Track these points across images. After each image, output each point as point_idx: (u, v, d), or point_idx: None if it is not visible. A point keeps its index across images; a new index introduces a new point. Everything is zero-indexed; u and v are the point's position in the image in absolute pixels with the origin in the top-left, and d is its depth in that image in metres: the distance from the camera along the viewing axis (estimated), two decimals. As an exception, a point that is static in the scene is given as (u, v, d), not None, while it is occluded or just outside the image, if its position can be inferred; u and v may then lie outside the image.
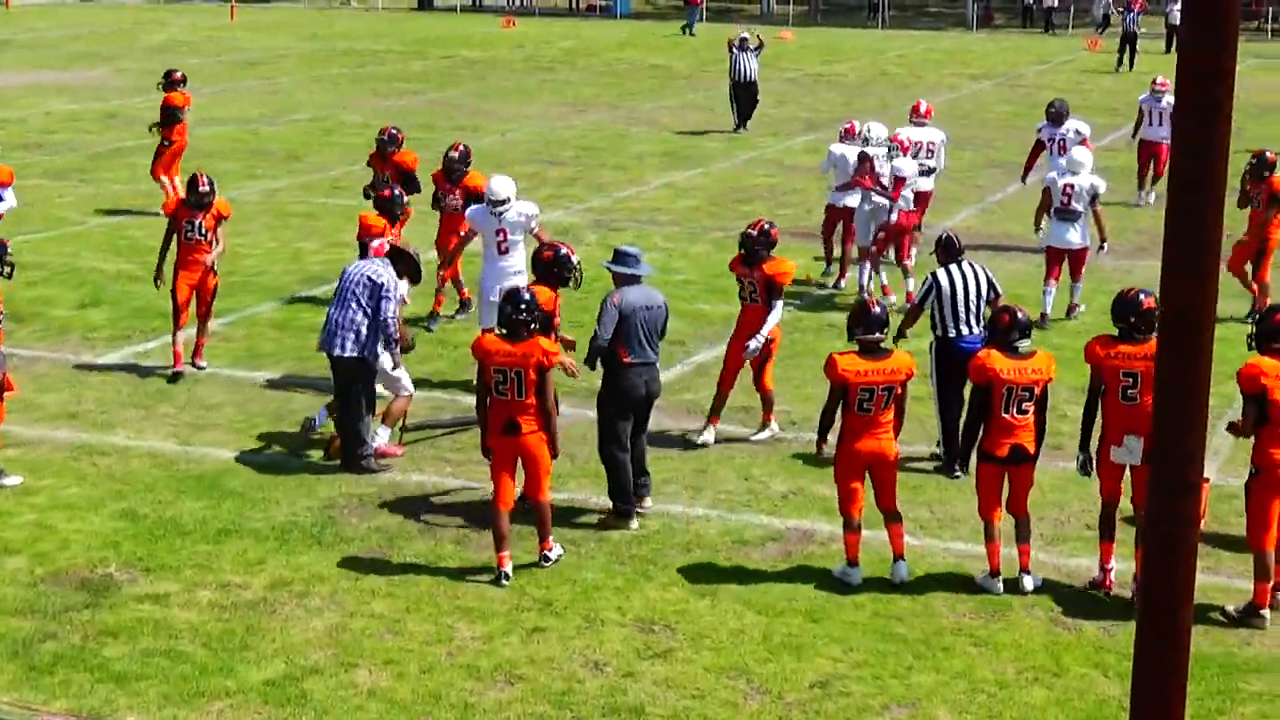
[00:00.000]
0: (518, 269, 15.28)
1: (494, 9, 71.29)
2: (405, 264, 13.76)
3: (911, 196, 18.86)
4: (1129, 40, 47.22)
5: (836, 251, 20.25)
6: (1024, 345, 11.31)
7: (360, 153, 29.57)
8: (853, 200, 19.31)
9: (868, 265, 19.00)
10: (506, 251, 15.36)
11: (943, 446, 13.74)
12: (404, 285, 13.79)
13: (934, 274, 13.84)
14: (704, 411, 14.74)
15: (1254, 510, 10.87)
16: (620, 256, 12.70)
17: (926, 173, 20.31)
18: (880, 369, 11.22)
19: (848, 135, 20.07)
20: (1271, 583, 10.92)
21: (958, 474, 13.41)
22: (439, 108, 36.53)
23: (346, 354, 13.23)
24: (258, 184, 26.08)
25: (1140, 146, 25.52)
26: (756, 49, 33.50)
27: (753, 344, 13.97)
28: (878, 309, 11.46)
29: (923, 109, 21.38)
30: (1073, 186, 18.30)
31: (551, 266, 12.90)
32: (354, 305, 13.29)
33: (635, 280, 12.61)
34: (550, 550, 11.58)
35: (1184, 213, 4.98)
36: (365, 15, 67.98)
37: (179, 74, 24.53)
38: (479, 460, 13.55)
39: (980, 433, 11.31)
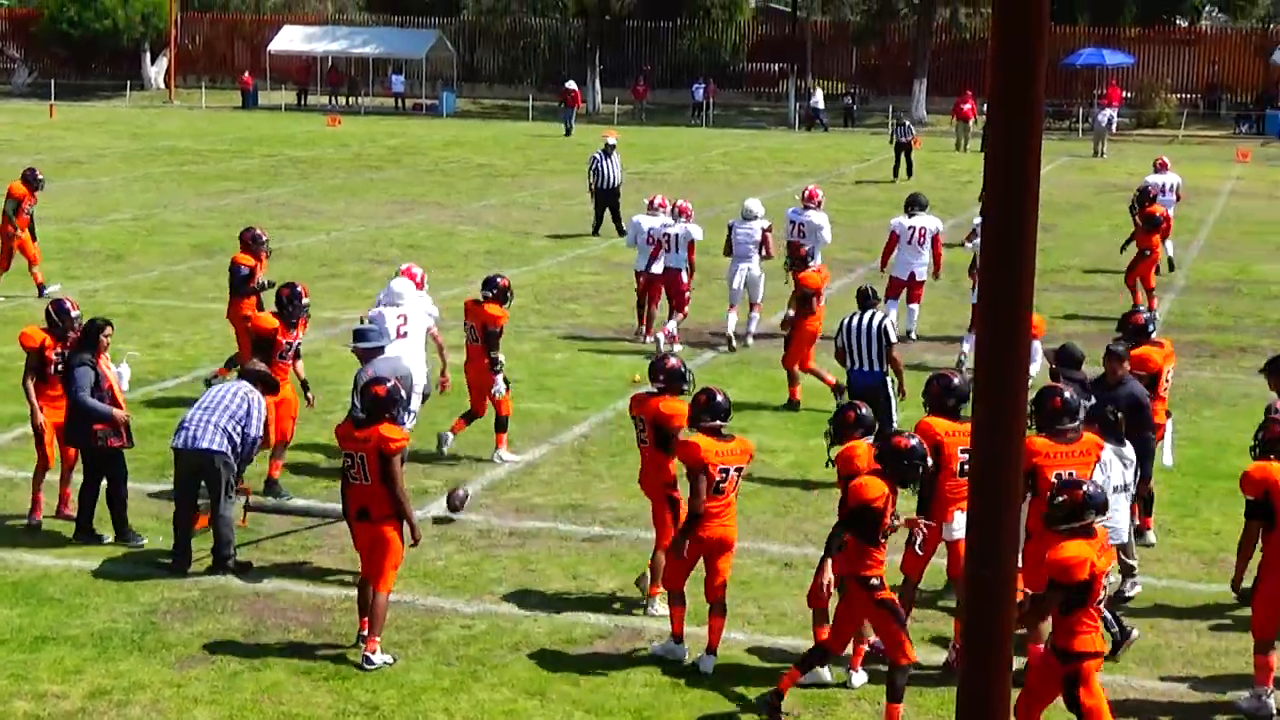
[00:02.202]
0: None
1: (319, 108, 71.13)
2: (262, 384, 13.71)
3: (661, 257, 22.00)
4: (903, 150, 45.36)
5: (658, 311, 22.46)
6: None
7: (184, 252, 29.32)
8: (657, 267, 22.02)
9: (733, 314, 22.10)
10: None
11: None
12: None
13: (843, 319, 16.23)
14: (530, 508, 14.81)
15: (1025, 575, 11.15)
16: (360, 334, 14.08)
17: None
18: (731, 450, 11.43)
19: (653, 208, 22.52)
20: (1043, 644, 11.25)
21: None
22: (264, 206, 36.30)
23: (214, 447, 13.02)
24: (77, 284, 25.68)
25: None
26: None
27: None
28: (721, 398, 11.62)
29: (806, 193, 23.47)
30: None
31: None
32: (224, 412, 13.15)
33: (379, 352, 13.88)
34: (374, 653, 11.46)
35: (997, 289, 5.15)
36: (187, 114, 67.51)
37: None
38: (305, 561, 13.45)
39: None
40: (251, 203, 37.02)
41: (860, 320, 16.02)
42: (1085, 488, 9.75)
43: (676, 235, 22.06)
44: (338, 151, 50.38)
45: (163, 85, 77.80)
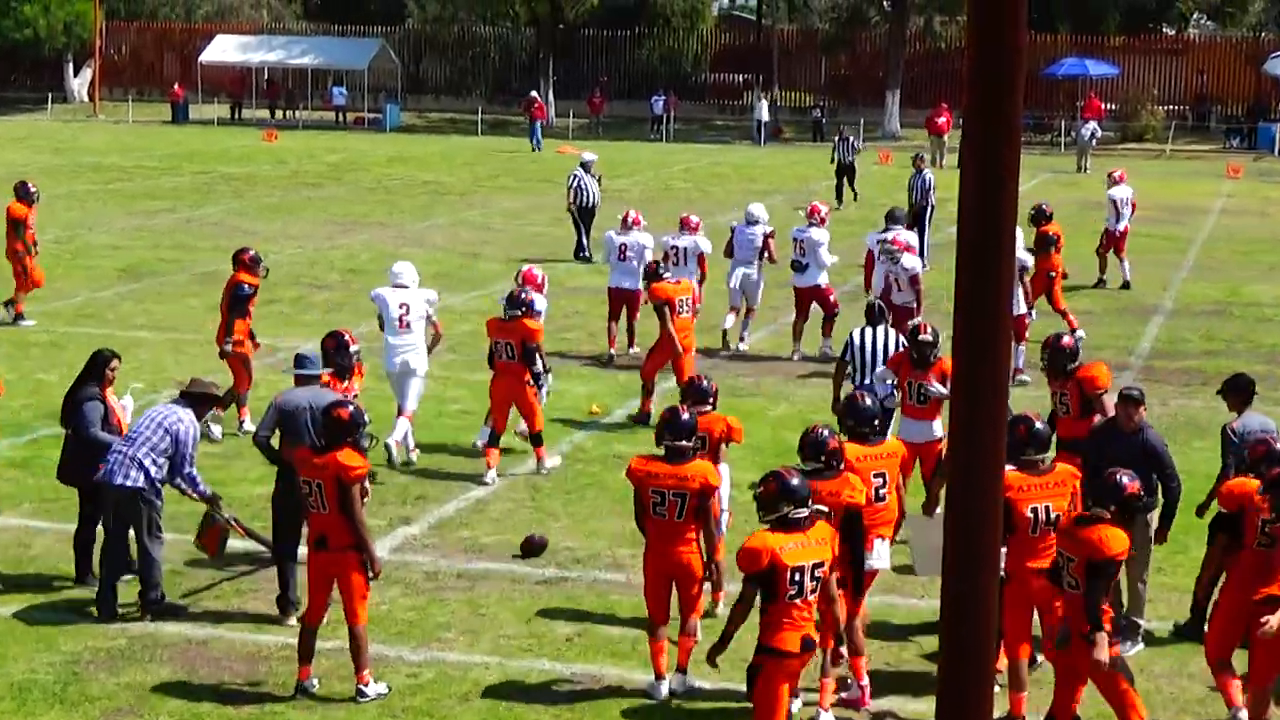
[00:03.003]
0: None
1: (254, 122, 71.02)
2: (206, 405, 13.67)
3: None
4: (845, 172, 43.22)
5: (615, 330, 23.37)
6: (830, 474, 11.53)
7: (110, 276, 29.21)
8: (629, 281, 22.84)
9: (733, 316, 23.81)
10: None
11: None
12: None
13: (853, 333, 16.80)
14: (480, 548, 14.76)
15: (1006, 620, 11.20)
16: (298, 361, 13.93)
17: (800, 269, 23.51)
18: (672, 473, 11.47)
19: (627, 225, 23.45)
20: (1025, 692, 11.32)
21: None
22: (195, 227, 36.21)
23: (129, 484, 12.97)
24: (-5, 311, 25.56)
25: (894, 315, 21.64)
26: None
27: None
28: (686, 415, 11.71)
29: (809, 209, 24.41)
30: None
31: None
32: (143, 445, 13.05)
33: (310, 381, 13.70)
34: (366, 685, 11.63)
35: (973, 309, 5.19)
36: (113, 128, 67.34)
37: None
38: (239, 607, 13.40)
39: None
40: (182, 223, 36.93)
41: (873, 335, 16.68)
42: (783, 480, 10.10)
43: (685, 248, 23.08)
44: (274, 168, 50.32)
45: (87, 98, 77.58)
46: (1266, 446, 11.50)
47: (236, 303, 18.61)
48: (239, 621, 13.15)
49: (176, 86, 73.57)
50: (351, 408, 11.92)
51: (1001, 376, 5.31)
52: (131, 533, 13.23)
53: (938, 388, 14.79)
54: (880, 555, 11.97)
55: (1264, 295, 29.71)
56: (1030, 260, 22.15)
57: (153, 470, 13.02)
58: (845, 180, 43.28)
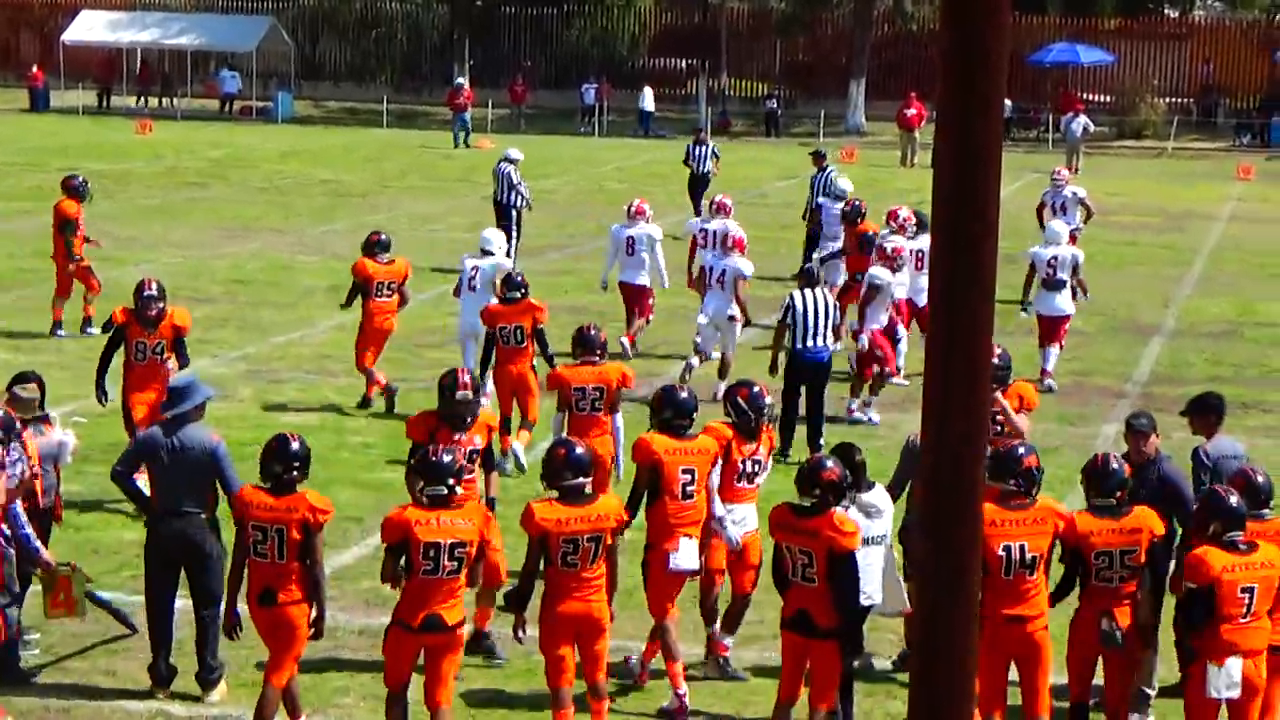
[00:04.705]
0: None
1: (125, 110, 70.66)
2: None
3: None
4: (698, 186, 39.43)
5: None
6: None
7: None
8: (640, 278, 24.58)
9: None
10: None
11: (779, 437, 17.70)
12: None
13: (791, 295, 19.29)
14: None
15: (981, 674, 11.27)
16: (172, 395, 13.24)
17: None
18: (584, 516, 11.49)
19: (632, 216, 24.70)
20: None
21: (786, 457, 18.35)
22: (57, 232, 35.94)
23: None
24: None
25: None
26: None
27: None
28: (580, 449, 11.78)
29: (888, 215, 24.91)
30: (1057, 258, 23.73)
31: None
32: None
33: (182, 420, 12.95)
34: None
35: (951, 325, 5.23)
36: (-37, 118, 66.92)
37: None
38: (108, 669, 13.28)
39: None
40: (44, 227, 36.60)
41: (812, 296, 19.08)
42: (423, 456, 11.38)
43: (715, 232, 24.61)
44: (149, 165, 50.10)
45: (-70, 83, 77.14)
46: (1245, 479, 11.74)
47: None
48: (106, 692, 13.02)
49: (35, 69, 73.05)
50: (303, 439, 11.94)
51: (978, 369, 5.37)
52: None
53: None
54: (687, 555, 12.42)
55: (1278, 313, 29.85)
56: (1082, 255, 24.39)
57: None
58: (698, 197, 38.93)
